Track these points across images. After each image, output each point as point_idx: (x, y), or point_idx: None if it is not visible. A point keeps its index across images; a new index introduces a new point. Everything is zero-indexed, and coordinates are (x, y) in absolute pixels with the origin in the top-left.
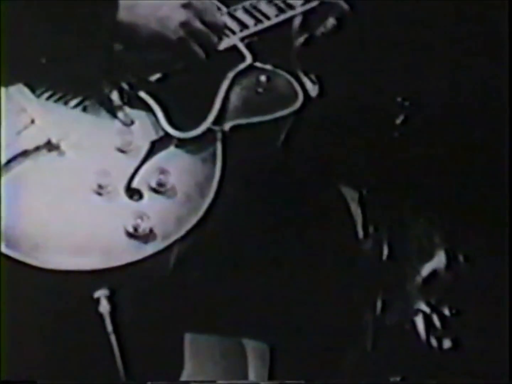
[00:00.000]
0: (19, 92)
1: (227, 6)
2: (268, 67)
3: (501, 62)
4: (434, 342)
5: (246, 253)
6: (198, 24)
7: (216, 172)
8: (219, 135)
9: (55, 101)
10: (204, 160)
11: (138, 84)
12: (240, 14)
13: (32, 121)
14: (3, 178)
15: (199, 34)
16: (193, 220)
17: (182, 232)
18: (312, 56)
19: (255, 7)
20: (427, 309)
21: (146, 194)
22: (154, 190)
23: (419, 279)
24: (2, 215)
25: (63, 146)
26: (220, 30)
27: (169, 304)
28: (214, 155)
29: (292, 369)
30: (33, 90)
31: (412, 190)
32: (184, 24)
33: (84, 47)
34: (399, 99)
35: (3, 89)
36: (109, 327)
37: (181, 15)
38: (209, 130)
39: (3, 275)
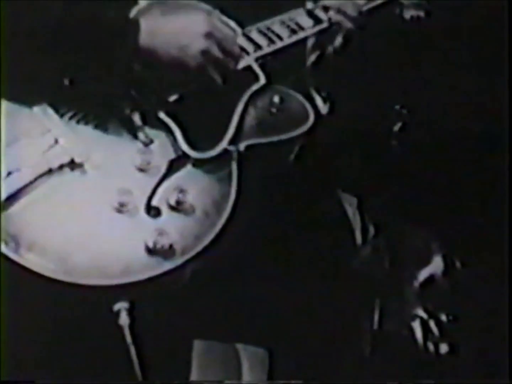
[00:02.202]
0: (44, 112)
1: (242, 27)
2: (281, 87)
3: (500, 69)
4: (431, 347)
5: (255, 264)
6: (217, 52)
7: (232, 190)
8: (234, 155)
9: (77, 122)
10: (220, 179)
11: (158, 105)
12: (254, 35)
13: (56, 141)
14: (30, 196)
15: (218, 61)
16: (210, 236)
17: (199, 248)
18: (323, 75)
19: (268, 28)
20: (424, 315)
21: (165, 211)
22: (173, 208)
23: (417, 285)
24: (29, 230)
25: (85, 165)
26: (238, 58)
27: (185, 316)
28: (230, 174)
29: (291, 374)
30: (57, 110)
31: (410, 196)
32: (204, 52)
33: (105, 69)
34: (397, 107)
35: (28, 110)
36: (128, 338)
37: (202, 44)
38: (225, 150)
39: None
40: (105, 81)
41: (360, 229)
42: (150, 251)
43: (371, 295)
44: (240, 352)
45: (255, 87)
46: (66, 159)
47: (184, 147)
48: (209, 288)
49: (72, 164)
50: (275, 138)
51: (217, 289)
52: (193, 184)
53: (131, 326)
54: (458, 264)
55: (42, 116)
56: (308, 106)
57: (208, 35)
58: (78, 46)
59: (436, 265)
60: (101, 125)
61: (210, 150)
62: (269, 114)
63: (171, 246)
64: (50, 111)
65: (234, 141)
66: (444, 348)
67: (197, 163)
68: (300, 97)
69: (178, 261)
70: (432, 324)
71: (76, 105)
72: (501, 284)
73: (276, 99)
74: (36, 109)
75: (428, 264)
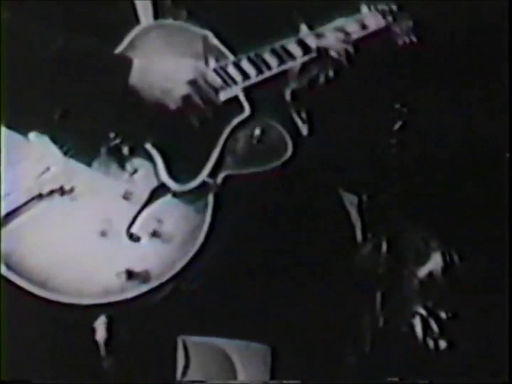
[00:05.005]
0: (39, 139)
1: (235, 54)
2: (265, 118)
3: (500, 67)
4: (431, 344)
5: (231, 287)
6: (198, 100)
7: (206, 220)
8: (212, 187)
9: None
10: (198, 209)
11: (144, 135)
12: (244, 63)
13: (48, 168)
14: (20, 218)
15: (197, 108)
16: (184, 261)
17: (173, 273)
18: (308, 100)
19: (259, 57)
20: (424, 312)
21: (145, 238)
22: (152, 235)
23: (416, 283)
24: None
25: (74, 191)
26: (217, 106)
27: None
28: (207, 204)
29: (293, 370)
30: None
31: (409, 195)
32: (185, 98)
33: (97, 101)
34: (397, 106)
35: (23, 136)
36: (103, 352)
37: (184, 90)
38: (203, 182)
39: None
40: (96, 113)
41: (360, 227)
42: (128, 274)
43: (371, 292)
44: (244, 349)
45: (239, 118)
46: (56, 185)
47: (165, 178)
48: (185, 308)
49: (62, 190)
50: (253, 170)
51: (193, 308)
52: (171, 213)
53: (107, 341)
54: (457, 261)
55: (37, 143)
56: (288, 138)
57: (192, 83)
58: (74, 80)
59: (436, 262)
60: (90, 155)
61: (189, 182)
62: (249, 146)
63: (147, 271)
64: (46, 138)
65: (213, 172)
66: (443, 344)
67: (177, 194)
68: (280, 129)
69: (153, 284)
70: (431, 321)
71: (67, 136)
72: (501, 282)
73: (257, 131)
74: (31, 135)
75: (428, 262)
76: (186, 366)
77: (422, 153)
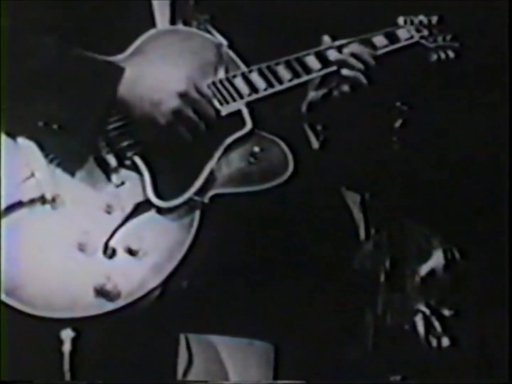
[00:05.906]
0: (27, 145)
1: (248, 65)
2: (266, 134)
3: (501, 68)
4: (433, 341)
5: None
6: (189, 113)
7: (188, 238)
8: (199, 205)
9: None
10: (182, 226)
11: (134, 147)
12: (254, 76)
13: (32, 174)
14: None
15: (189, 121)
16: (156, 281)
17: (143, 292)
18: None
19: (271, 70)
20: (426, 310)
21: (121, 253)
22: (128, 251)
23: (418, 280)
24: None
25: (56, 201)
26: (211, 120)
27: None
28: (191, 222)
29: (295, 368)
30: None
31: (411, 193)
32: (175, 112)
33: (87, 112)
34: (398, 104)
35: (11, 140)
36: (66, 366)
37: (174, 102)
38: (190, 199)
39: None
40: (85, 123)
41: (363, 225)
42: (97, 292)
43: (374, 290)
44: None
45: (239, 133)
46: (37, 194)
47: (150, 194)
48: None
49: (43, 199)
50: (246, 189)
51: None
52: (152, 229)
53: (72, 354)
54: (458, 258)
55: (25, 148)
56: (290, 157)
57: (183, 95)
58: (65, 89)
59: (437, 260)
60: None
61: (175, 199)
62: (247, 163)
63: (117, 289)
64: (32, 144)
65: (202, 190)
66: (446, 342)
67: (162, 210)
68: (283, 146)
69: (121, 303)
70: (434, 319)
71: (56, 145)
72: (502, 279)
73: (256, 149)
74: (20, 140)
75: (430, 259)
76: (189, 363)
77: (423, 151)
